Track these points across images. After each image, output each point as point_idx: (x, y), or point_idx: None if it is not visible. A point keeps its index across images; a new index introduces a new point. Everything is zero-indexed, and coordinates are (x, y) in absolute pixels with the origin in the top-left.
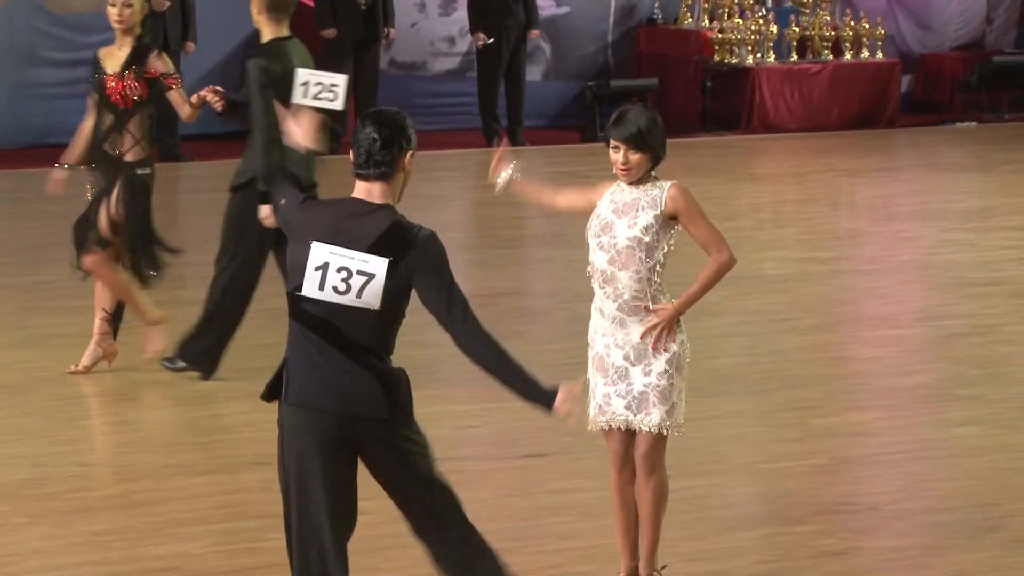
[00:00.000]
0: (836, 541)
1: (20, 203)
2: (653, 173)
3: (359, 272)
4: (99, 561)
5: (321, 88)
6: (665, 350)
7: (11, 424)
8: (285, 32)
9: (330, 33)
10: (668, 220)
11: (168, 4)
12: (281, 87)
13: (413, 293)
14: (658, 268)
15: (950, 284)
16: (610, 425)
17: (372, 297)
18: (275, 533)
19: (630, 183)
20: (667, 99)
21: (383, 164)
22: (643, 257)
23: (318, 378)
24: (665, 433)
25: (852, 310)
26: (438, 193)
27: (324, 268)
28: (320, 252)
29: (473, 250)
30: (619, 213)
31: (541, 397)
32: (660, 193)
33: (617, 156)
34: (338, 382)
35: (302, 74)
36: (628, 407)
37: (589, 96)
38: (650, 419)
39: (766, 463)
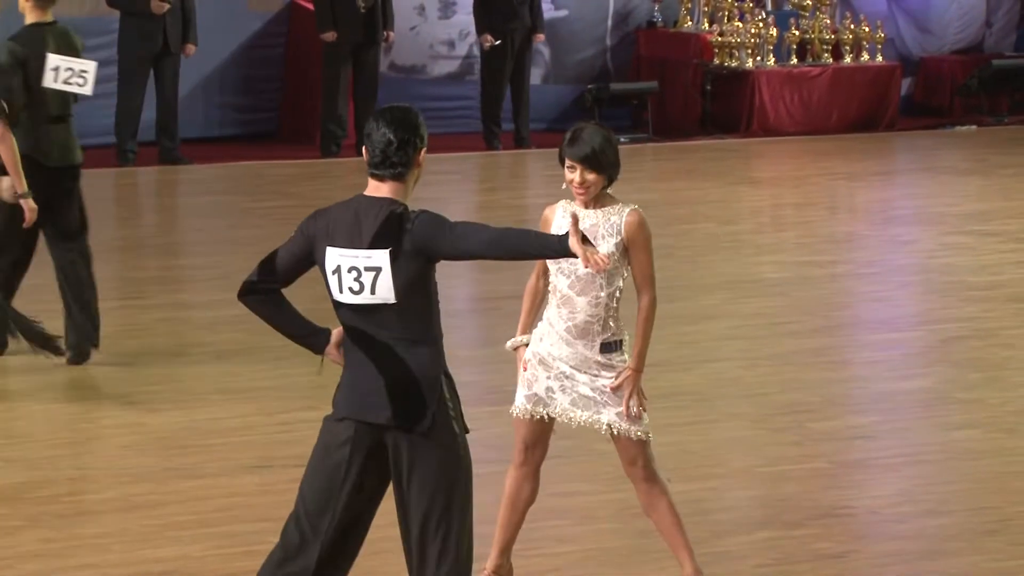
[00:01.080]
0: (834, 544)
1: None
2: (610, 192)
3: (366, 268)
4: (97, 564)
5: (71, 74)
6: (644, 409)
7: (9, 427)
8: (48, 18)
9: (330, 36)
10: (625, 250)
11: (167, 7)
12: (31, 70)
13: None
14: (617, 295)
15: (949, 288)
16: (531, 415)
17: (385, 291)
18: (273, 536)
19: (585, 203)
20: (667, 102)
21: (399, 164)
22: (603, 283)
23: (351, 385)
24: (645, 438)
25: (851, 314)
26: (437, 196)
27: (338, 271)
28: (332, 256)
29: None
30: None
31: (557, 245)
32: (619, 220)
33: (573, 176)
34: (362, 388)
35: (52, 59)
36: (574, 404)
37: (589, 99)
38: (626, 426)
39: (764, 467)
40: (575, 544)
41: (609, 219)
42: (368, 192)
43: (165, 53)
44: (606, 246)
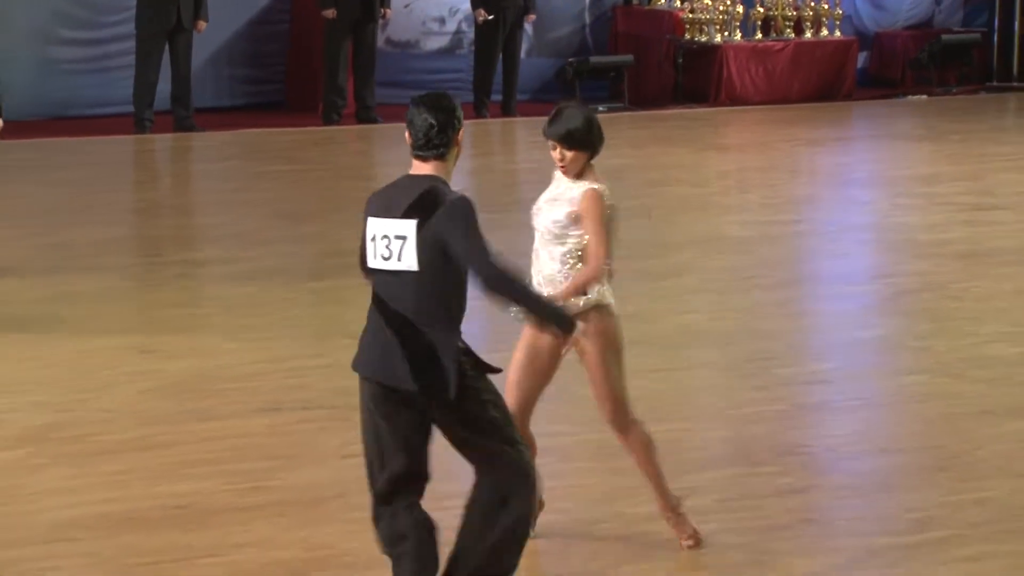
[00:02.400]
0: (795, 480)
1: (44, 170)
2: (593, 164)
3: (396, 236)
4: (119, 498)
5: None
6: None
7: (37, 374)
8: None
9: (330, 13)
10: (577, 219)
11: None
12: None
13: None
14: (571, 255)
15: (901, 245)
16: None
17: (409, 259)
18: (282, 473)
19: (571, 177)
20: (642, 74)
21: (440, 146)
22: (555, 243)
23: (368, 347)
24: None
25: (811, 269)
26: None
27: (375, 239)
28: (372, 226)
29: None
30: (549, 203)
31: (558, 318)
32: (577, 194)
33: (554, 153)
34: (380, 352)
35: None
36: None
37: (570, 72)
38: None
39: (731, 409)
40: (556, 480)
41: (572, 191)
42: (412, 171)
43: (179, 29)
44: (559, 212)
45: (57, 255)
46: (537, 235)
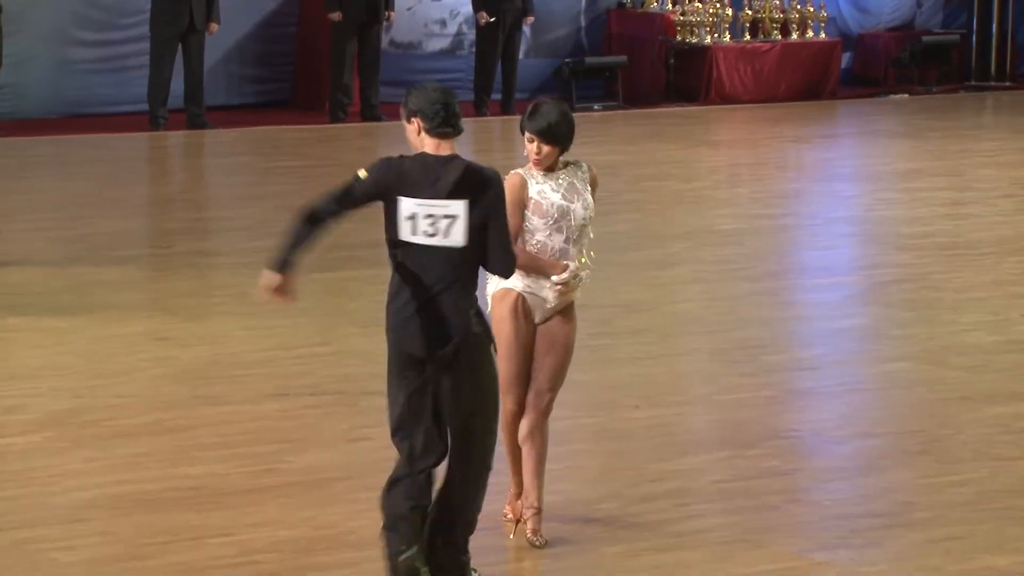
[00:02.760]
0: (782, 462)
1: (63, 165)
2: (562, 159)
3: (444, 216)
4: (135, 480)
5: None
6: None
7: (56, 360)
8: None
9: (336, 16)
10: (593, 191)
11: None
12: None
13: None
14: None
15: (884, 237)
16: None
17: (458, 235)
18: (292, 456)
19: (542, 170)
20: (635, 74)
21: (459, 125)
22: (584, 231)
23: (407, 317)
24: None
25: (797, 260)
26: None
27: (414, 218)
28: (408, 205)
29: None
30: (569, 199)
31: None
32: (585, 170)
33: (531, 147)
34: (405, 321)
35: None
36: None
37: (566, 71)
38: None
39: (722, 395)
40: (554, 463)
41: (577, 175)
42: (427, 150)
43: (191, 30)
44: (588, 195)
45: (75, 247)
46: (561, 238)
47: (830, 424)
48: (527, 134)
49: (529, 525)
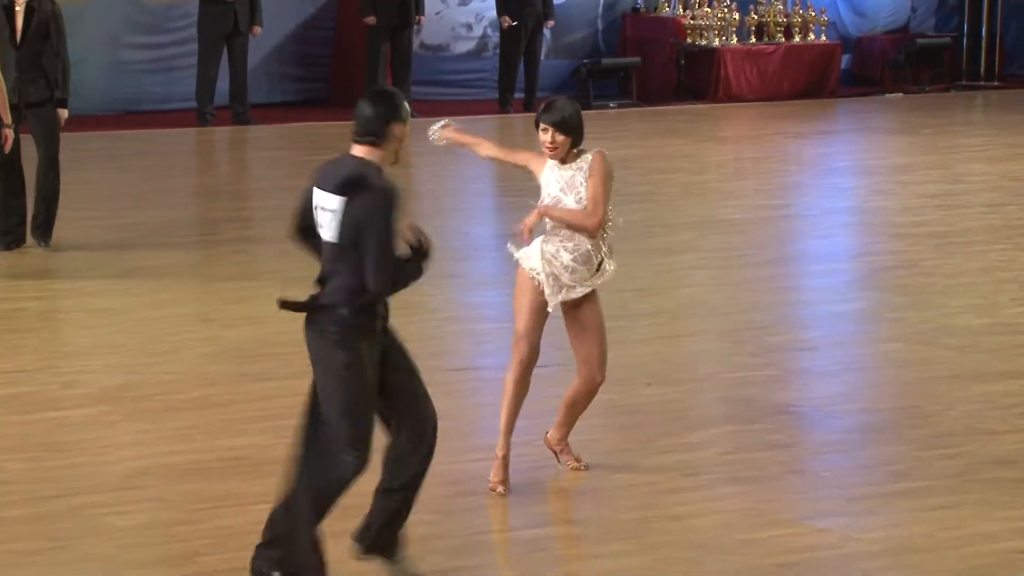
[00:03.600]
0: (784, 436)
1: (115, 159)
2: (575, 151)
3: (323, 208)
4: (183, 451)
5: None
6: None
7: (110, 340)
8: None
9: (371, 20)
10: (595, 176)
11: None
12: None
13: None
14: (606, 224)
15: (879, 227)
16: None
17: (334, 231)
18: None
19: (557, 160)
20: (648, 74)
21: (371, 133)
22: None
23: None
24: None
25: (798, 248)
26: (459, 152)
27: (316, 208)
28: (315, 196)
29: (491, 198)
30: (565, 191)
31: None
32: (585, 163)
33: (546, 137)
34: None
35: None
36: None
37: (583, 72)
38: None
39: (727, 373)
40: (570, 437)
41: (580, 168)
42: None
43: (236, 33)
44: (581, 188)
45: (127, 234)
46: (552, 226)
47: (829, 400)
48: (542, 125)
49: (571, 457)
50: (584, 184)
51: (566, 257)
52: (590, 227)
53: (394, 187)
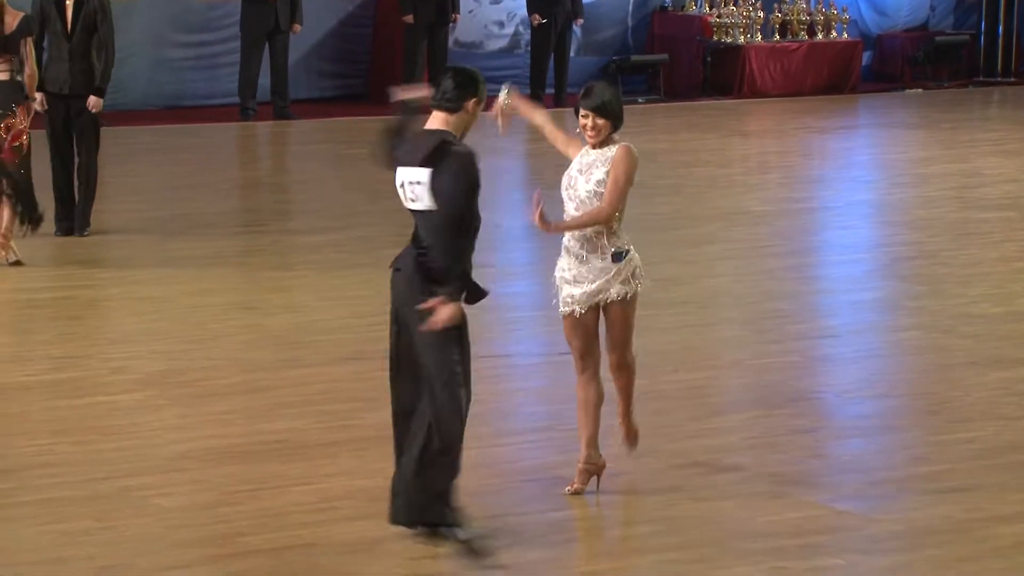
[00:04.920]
0: (807, 421)
1: (160, 152)
2: (615, 136)
3: (411, 183)
4: (224, 435)
5: None
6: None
7: (154, 327)
8: None
9: (409, 18)
10: (620, 166)
11: None
12: None
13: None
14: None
15: (899, 218)
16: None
17: (428, 200)
18: (365, 413)
19: (595, 145)
20: (675, 70)
21: (451, 101)
22: (599, 204)
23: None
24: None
25: (820, 239)
26: (495, 145)
27: (403, 186)
28: (399, 175)
29: (523, 189)
30: (582, 172)
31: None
32: (611, 153)
33: (586, 122)
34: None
35: None
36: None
37: (613, 68)
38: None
39: (751, 360)
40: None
41: (604, 155)
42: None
43: (277, 31)
44: (598, 174)
45: (171, 225)
46: (572, 206)
47: (850, 387)
48: (582, 111)
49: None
50: (602, 171)
51: (574, 245)
52: (603, 217)
53: (473, 151)
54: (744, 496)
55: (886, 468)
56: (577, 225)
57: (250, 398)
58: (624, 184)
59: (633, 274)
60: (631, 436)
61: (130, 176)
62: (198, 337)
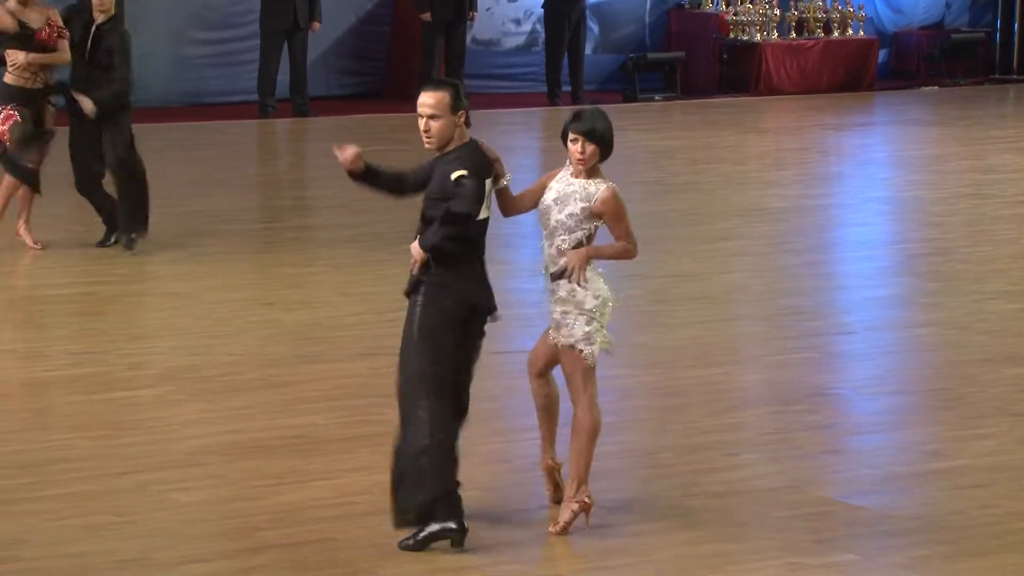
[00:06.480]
0: (823, 417)
1: (180, 148)
2: (600, 169)
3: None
4: (244, 429)
5: None
6: (581, 281)
7: (174, 322)
8: None
9: (427, 16)
10: (592, 215)
11: None
12: None
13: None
14: (576, 243)
15: (914, 215)
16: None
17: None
18: (383, 409)
19: (578, 173)
20: (692, 68)
21: None
22: (567, 236)
23: (477, 275)
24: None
25: (836, 235)
26: (509, 143)
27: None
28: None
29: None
30: (556, 202)
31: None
32: (595, 191)
33: (575, 147)
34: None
35: None
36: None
37: (630, 66)
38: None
39: (768, 356)
40: (617, 416)
41: (586, 189)
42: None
43: (295, 28)
44: (573, 207)
45: (191, 221)
46: (544, 233)
47: (865, 383)
48: (571, 135)
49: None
50: (578, 206)
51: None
52: (630, 256)
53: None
54: (759, 491)
55: (901, 464)
56: (605, 257)
57: (269, 393)
58: (628, 221)
59: (589, 337)
60: (568, 512)
61: (150, 173)
62: (217, 333)
